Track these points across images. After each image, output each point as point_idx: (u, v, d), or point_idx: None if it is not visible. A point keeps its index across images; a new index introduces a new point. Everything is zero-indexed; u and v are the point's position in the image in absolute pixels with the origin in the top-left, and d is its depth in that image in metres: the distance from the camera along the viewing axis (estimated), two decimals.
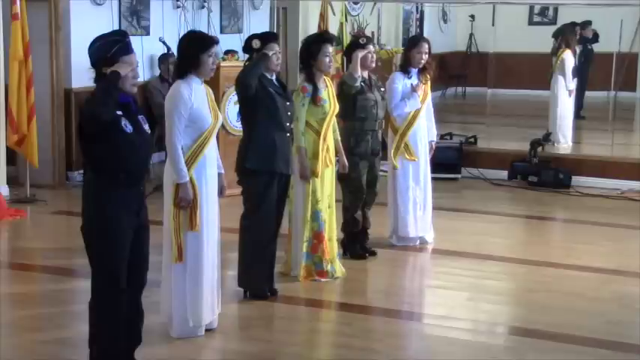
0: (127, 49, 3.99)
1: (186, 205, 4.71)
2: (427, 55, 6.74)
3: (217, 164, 4.98)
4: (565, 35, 11.40)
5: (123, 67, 3.93)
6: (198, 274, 4.82)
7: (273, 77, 5.51)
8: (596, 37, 13.46)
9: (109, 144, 3.93)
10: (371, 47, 6.41)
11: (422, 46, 6.73)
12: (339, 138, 6.15)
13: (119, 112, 3.96)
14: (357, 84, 6.24)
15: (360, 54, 6.27)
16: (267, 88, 5.39)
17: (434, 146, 7.04)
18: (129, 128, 3.99)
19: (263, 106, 5.38)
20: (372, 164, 6.49)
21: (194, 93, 4.73)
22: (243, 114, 5.53)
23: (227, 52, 8.90)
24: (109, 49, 3.94)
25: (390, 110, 6.73)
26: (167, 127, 4.73)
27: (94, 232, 4.02)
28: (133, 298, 4.18)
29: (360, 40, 6.50)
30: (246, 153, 5.43)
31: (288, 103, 5.53)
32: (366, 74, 6.43)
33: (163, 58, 9.36)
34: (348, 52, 6.53)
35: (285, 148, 5.51)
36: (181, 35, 5.14)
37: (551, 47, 11.78)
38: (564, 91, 11.12)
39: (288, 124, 5.53)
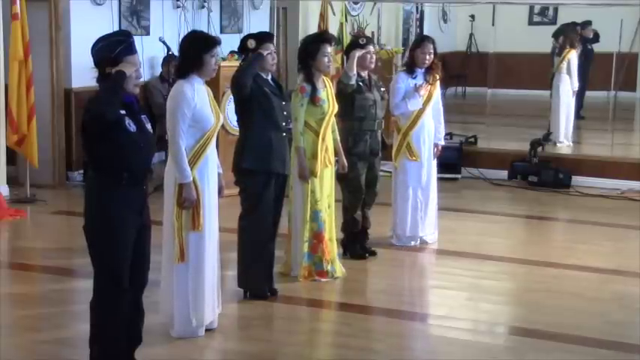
0: (131, 50, 4.00)
1: (190, 205, 4.71)
2: (432, 56, 6.72)
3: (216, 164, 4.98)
4: (569, 35, 11.40)
5: (127, 68, 3.94)
6: (200, 273, 4.82)
7: (269, 77, 5.51)
8: (596, 37, 13.45)
9: (112, 143, 3.93)
10: (370, 47, 6.41)
11: (426, 46, 6.72)
12: (339, 138, 6.15)
13: (123, 112, 3.98)
14: (352, 82, 6.23)
15: (358, 53, 6.26)
16: (263, 87, 5.40)
17: (440, 147, 7.02)
18: (132, 127, 4.00)
19: (259, 106, 5.38)
20: (371, 164, 6.49)
21: (196, 93, 4.73)
22: (240, 114, 5.53)
23: (230, 52, 8.88)
24: (113, 49, 3.95)
25: (391, 109, 6.73)
26: (170, 127, 4.73)
27: (97, 232, 4.02)
28: (134, 297, 4.18)
29: (360, 41, 6.50)
30: (242, 153, 5.43)
31: (284, 103, 5.54)
32: (365, 74, 6.43)
33: (167, 60, 9.34)
34: (348, 51, 6.54)
35: (281, 147, 5.51)
36: (183, 35, 5.14)
37: (552, 47, 11.77)
38: (568, 91, 11.12)
39: (284, 123, 5.53)
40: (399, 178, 6.86)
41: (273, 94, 5.45)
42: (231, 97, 6.89)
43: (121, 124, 3.95)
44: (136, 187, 4.08)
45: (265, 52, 5.38)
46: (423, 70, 6.77)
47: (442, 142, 7.07)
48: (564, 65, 11.12)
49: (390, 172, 7.13)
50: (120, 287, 4.05)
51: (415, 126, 6.77)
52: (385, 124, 6.73)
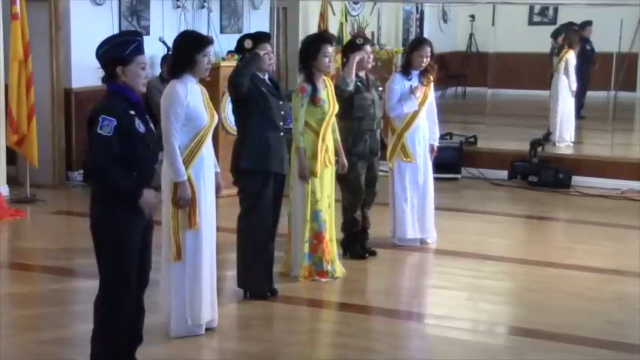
0: (141, 49, 4.05)
1: (185, 203, 4.72)
2: (429, 59, 6.72)
3: (213, 163, 4.99)
4: (568, 35, 11.40)
5: (134, 67, 4.00)
6: (197, 272, 4.83)
7: (266, 77, 5.51)
8: (591, 50, 13.35)
9: (124, 144, 3.94)
10: (367, 48, 6.40)
11: (423, 49, 6.72)
12: (339, 138, 6.15)
13: (132, 112, 4.00)
14: (350, 88, 6.22)
15: (358, 57, 6.24)
16: (260, 87, 5.39)
17: (435, 148, 7.02)
18: (142, 128, 4.03)
19: (256, 106, 5.39)
20: (370, 164, 6.49)
21: (189, 92, 4.74)
22: (237, 114, 5.53)
23: (229, 53, 8.90)
24: (125, 49, 3.99)
25: (387, 111, 6.73)
26: (164, 127, 4.74)
27: (105, 233, 4.03)
28: (136, 297, 4.19)
29: (357, 41, 6.49)
30: (241, 153, 5.43)
31: (281, 103, 5.54)
32: (363, 74, 6.43)
33: (165, 59, 9.34)
34: (345, 52, 6.54)
35: (279, 147, 5.52)
36: (176, 36, 5.15)
37: (551, 47, 11.76)
38: (566, 91, 11.12)
39: (281, 123, 5.53)
40: (396, 179, 6.85)
41: (270, 93, 5.45)
42: None
43: (131, 125, 3.97)
44: (144, 187, 4.09)
45: (262, 52, 5.38)
46: (418, 71, 6.77)
47: (437, 143, 7.07)
48: (562, 65, 11.12)
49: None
50: (128, 287, 4.07)
51: (410, 127, 6.77)
52: (384, 124, 6.73)
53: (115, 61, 4.00)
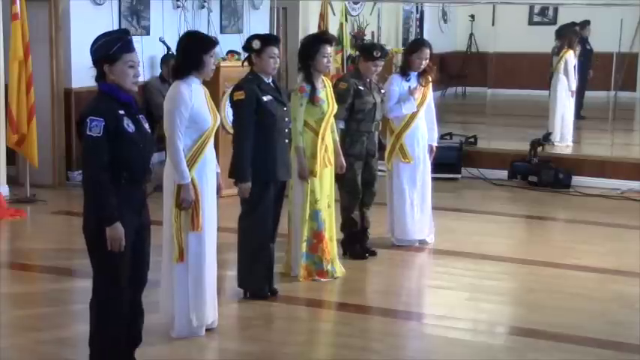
0: (129, 47, 4.00)
1: (188, 205, 4.72)
2: (427, 60, 6.73)
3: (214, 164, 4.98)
4: (567, 36, 11.42)
5: (121, 65, 3.94)
6: (200, 273, 4.83)
7: (270, 80, 5.48)
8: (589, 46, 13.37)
9: (111, 145, 3.92)
10: (381, 62, 6.42)
11: (423, 52, 6.69)
12: (337, 138, 6.15)
13: (121, 112, 3.97)
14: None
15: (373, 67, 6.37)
16: (263, 99, 5.34)
17: (434, 149, 7.02)
18: (131, 128, 3.99)
19: (263, 120, 5.34)
20: (368, 165, 6.49)
21: (194, 93, 4.74)
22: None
23: (228, 53, 8.90)
24: (111, 47, 3.95)
25: (385, 112, 6.72)
26: (168, 129, 4.73)
27: (96, 232, 4.02)
28: (133, 297, 4.18)
29: (375, 53, 6.43)
30: (249, 165, 5.39)
31: (285, 109, 5.52)
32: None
33: (165, 59, 9.34)
34: (360, 55, 6.60)
35: (284, 155, 5.53)
36: (181, 36, 5.13)
37: (552, 47, 11.79)
38: (566, 91, 11.14)
39: (287, 130, 5.53)
40: (394, 180, 6.85)
41: (276, 100, 5.42)
42: None
43: (119, 125, 3.95)
44: (135, 187, 4.07)
45: (268, 56, 5.36)
46: (416, 72, 6.77)
47: (436, 143, 7.07)
48: (561, 65, 11.13)
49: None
50: (119, 287, 4.05)
51: (408, 128, 6.77)
52: (382, 126, 6.73)
53: (103, 60, 3.97)
